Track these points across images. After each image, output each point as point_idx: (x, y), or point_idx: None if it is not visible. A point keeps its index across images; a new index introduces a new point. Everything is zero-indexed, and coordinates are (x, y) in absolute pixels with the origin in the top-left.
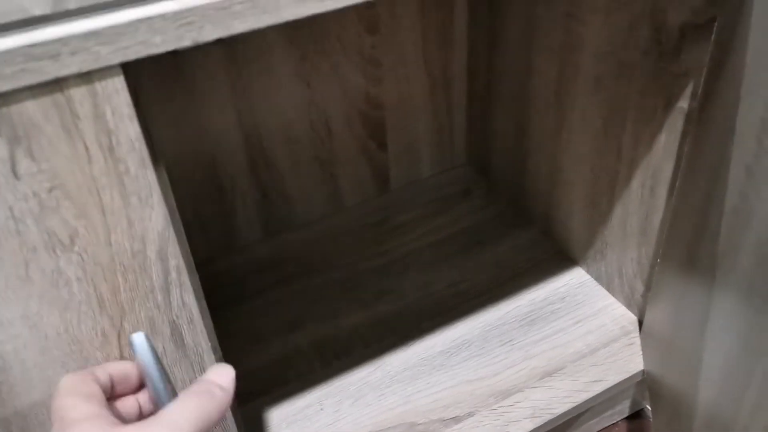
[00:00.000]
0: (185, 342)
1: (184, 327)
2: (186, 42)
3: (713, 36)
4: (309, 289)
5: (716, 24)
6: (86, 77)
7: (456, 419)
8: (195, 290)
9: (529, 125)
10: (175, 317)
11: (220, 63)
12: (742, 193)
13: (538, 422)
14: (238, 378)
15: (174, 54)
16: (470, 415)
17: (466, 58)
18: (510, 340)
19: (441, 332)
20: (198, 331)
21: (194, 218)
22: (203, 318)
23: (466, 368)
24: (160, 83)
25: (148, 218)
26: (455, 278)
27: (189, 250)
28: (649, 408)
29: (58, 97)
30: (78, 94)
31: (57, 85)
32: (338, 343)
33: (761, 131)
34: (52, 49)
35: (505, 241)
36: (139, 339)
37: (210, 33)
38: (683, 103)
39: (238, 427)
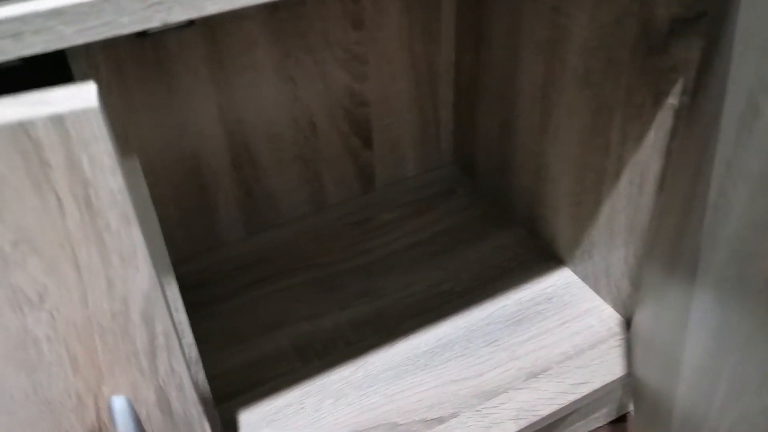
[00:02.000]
0: (173, 409)
1: (172, 394)
2: (155, 23)
3: (704, 30)
4: (291, 288)
5: (706, 18)
6: (58, 121)
7: (439, 420)
8: (186, 354)
9: (515, 122)
10: (161, 383)
11: (203, 58)
12: (722, 188)
13: (522, 424)
14: (218, 377)
15: (156, 49)
16: (454, 415)
17: (453, 54)
18: (495, 341)
19: (425, 332)
20: (188, 399)
21: (176, 215)
22: (196, 383)
23: (450, 368)
24: (141, 78)
25: (131, 279)
26: (439, 278)
27: (181, 305)
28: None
29: (24, 142)
30: (47, 139)
31: (21, 127)
32: (320, 343)
33: (740, 126)
34: (14, 28)
35: (490, 240)
36: (119, 404)
37: (180, 14)
38: (672, 99)
39: (213, 426)
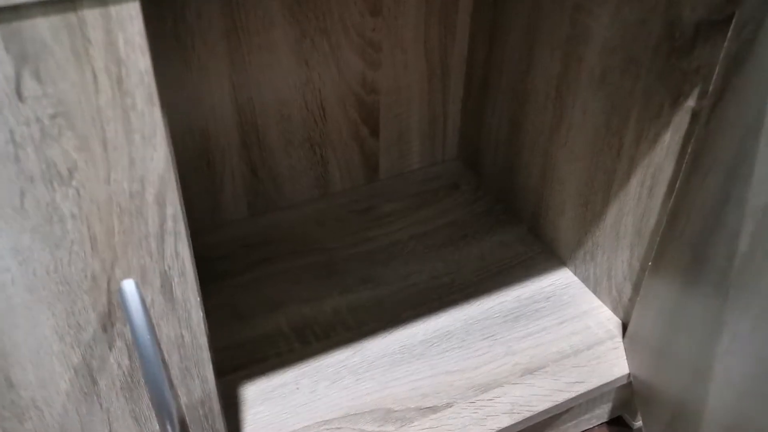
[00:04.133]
0: (174, 295)
1: (175, 279)
2: None
3: (730, 33)
4: (292, 270)
5: (734, 21)
6: None
7: (433, 409)
8: (188, 243)
9: (525, 120)
10: (167, 268)
11: (220, 35)
12: None
13: (516, 418)
14: (219, 350)
15: (175, 22)
16: (448, 405)
17: (466, 49)
18: (492, 335)
19: (423, 322)
20: (189, 285)
21: (182, 190)
22: (194, 273)
23: (447, 359)
24: (160, 51)
25: (149, 159)
26: (439, 270)
27: (183, 202)
28: (629, 416)
29: (71, 17)
30: (91, 16)
31: (71, 3)
32: (318, 325)
33: None
34: None
35: (492, 237)
36: (129, 287)
37: None
38: (692, 102)
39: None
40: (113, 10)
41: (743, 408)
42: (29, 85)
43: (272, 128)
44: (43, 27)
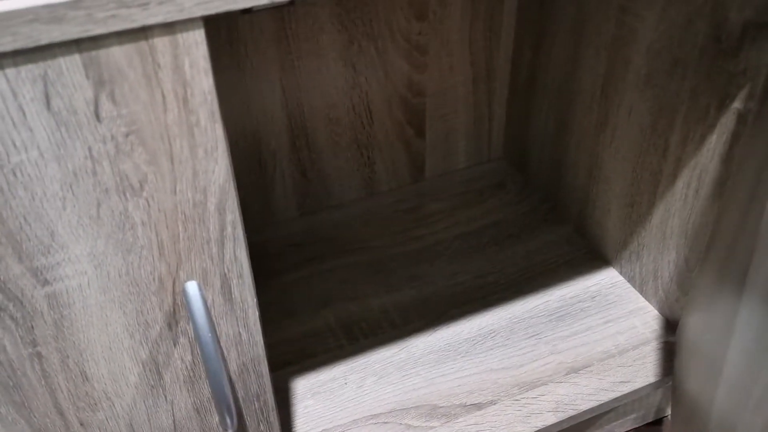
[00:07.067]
0: (233, 296)
1: (234, 281)
2: (264, 0)
3: None
4: (339, 268)
5: None
6: (170, 28)
7: (478, 406)
8: (245, 246)
9: (571, 120)
10: (226, 270)
11: (271, 41)
12: None
13: (561, 416)
14: (269, 346)
15: (228, 30)
16: (493, 403)
17: (512, 50)
18: (537, 334)
19: (468, 320)
20: (246, 287)
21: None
22: (250, 275)
23: (491, 357)
24: (214, 57)
25: (211, 171)
26: (484, 269)
27: (240, 210)
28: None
29: (143, 45)
30: (161, 43)
31: (143, 33)
32: (365, 323)
33: None
34: None
35: (537, 236)
36: (193, 288)
37: None
38: (738, 104)
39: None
40: (180, 37)
41: (736, 389)
42: (106, 107)
43: (321, 131)
44: (119, 54)
